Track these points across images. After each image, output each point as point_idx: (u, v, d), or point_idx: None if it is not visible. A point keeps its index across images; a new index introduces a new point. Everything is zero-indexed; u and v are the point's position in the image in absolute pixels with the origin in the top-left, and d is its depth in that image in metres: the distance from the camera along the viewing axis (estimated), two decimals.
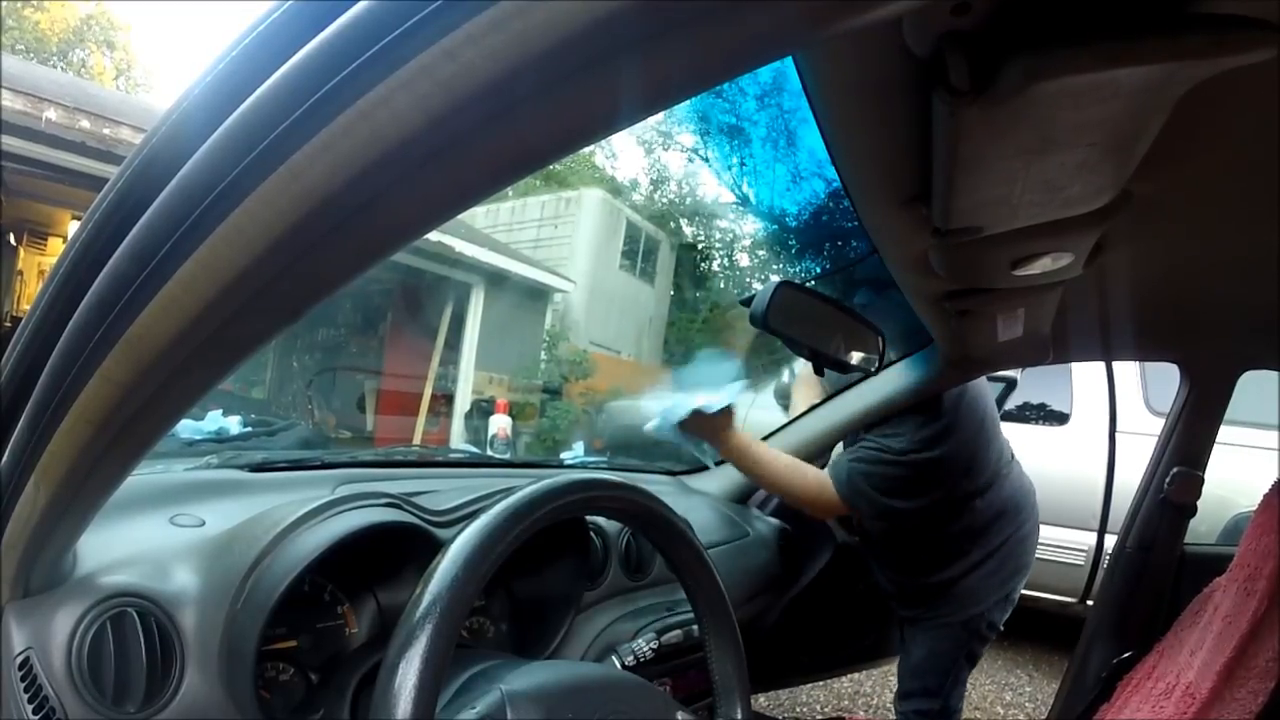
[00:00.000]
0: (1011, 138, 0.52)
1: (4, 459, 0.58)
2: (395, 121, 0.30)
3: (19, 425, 0.55)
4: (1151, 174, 0.61)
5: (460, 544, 0.66)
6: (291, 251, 0.36)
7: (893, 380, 1.57)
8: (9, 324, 7.27)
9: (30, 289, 8.67)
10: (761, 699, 2.79)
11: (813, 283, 1.15)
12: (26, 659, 0.69)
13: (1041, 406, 4.24)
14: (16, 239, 8.02)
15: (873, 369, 1.27)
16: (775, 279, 1.11)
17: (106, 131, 5.25)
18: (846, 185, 0.72)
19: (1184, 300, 1.06)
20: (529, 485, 0.74)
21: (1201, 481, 1.50)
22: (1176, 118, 0.51)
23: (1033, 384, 4.04)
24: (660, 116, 16.19)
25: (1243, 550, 1.18)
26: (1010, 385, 2.37)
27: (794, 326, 1.10)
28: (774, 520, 1.84)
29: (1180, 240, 0.84)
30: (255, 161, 0.34)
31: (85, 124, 4.92)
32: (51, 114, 4.83)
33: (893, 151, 0.60)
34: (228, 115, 0.35)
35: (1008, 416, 2.68)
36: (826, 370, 1.26)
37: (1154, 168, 0.59)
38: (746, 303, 1.07)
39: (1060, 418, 4.04)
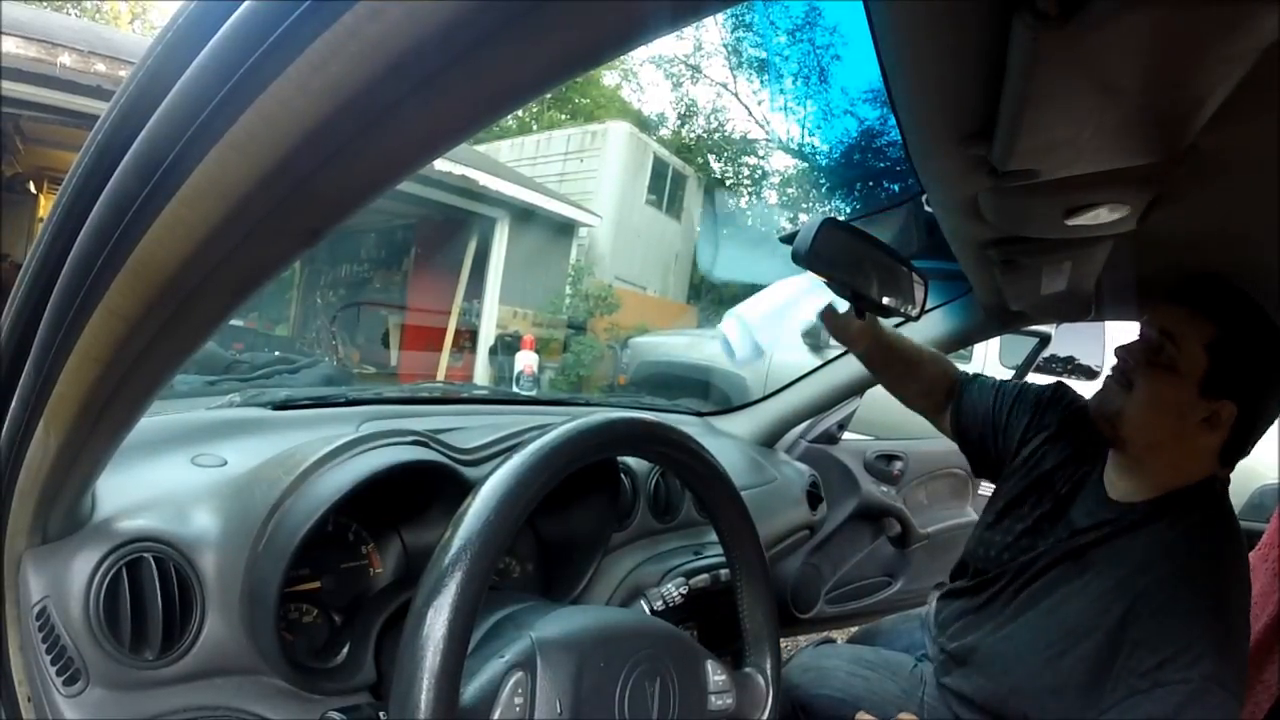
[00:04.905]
0: (1092, 72, 0.49)
1: (12, 403, 0.55)
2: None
3: (25, 368, 0.52)
4: (1218, 128, 0.57)
5: (493, 485, 0.63)
6: (311, 159, 0.31)
7: (925, 330, 1.51)
8: None
9: None
10: None
11: (856, 222, 1.08)
12: (44, 608, 0.68)
13: (1069, 360, 4.15)
14: (36, 187, 7.93)
15: (915, 315, 1.21)
16: (804, 218, 1.05)
17: (123, 74, 5.10)
18: (901, 117, 0.69)
19: (1232, 264, 1.00)
20: (562, 424, 0.70)
21: None
22: (1255, 70, 0.48)
23: (1062, 337, 3.98)
24: (691, 49, 15.74)
25: (1272, 529, 1.15)
26: (1044, 340, 2.29)
27: (837, 266, 1.04)
28: (802, 466, 1.81)
29: (1237, 202, 0.80)
30: (269, 52, 0.29)
31: (101, 67, 4.78)
32: (66, 59, 4.71)
33: (959, 82, 0.56)
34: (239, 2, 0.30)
35: (1035, 368, 2.62)
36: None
37: (1222, 121, 0.56)
38: (787, 240, 1.01)
39: (1089, 372, 3.94)
